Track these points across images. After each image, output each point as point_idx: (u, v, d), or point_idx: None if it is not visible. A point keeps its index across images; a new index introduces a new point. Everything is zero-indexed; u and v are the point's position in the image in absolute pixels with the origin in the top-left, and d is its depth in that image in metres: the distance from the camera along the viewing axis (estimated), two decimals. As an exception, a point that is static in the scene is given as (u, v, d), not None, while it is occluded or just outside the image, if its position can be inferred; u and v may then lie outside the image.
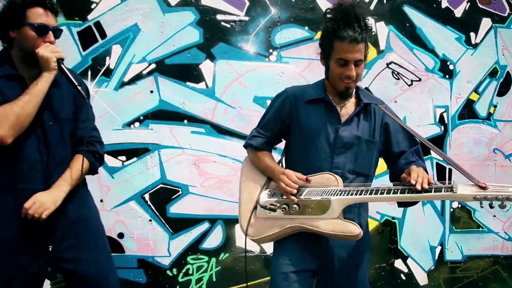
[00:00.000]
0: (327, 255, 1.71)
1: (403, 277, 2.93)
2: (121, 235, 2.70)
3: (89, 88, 2.64)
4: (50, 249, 1.72)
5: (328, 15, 1.69)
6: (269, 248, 2.79)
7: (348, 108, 1.75)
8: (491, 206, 1.45)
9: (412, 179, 1.55)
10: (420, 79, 2.95)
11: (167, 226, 2.74)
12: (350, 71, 1.64)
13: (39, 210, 1.63)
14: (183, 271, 2.76)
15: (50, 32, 1.69)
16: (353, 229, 1.58)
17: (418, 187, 1.52)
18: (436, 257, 2.95)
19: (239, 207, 1.81)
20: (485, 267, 3.02)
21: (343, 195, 1.60)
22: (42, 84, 1.65)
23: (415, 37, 2.94)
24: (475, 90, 3.03)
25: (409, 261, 2.94)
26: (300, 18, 2.81)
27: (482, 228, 3.02)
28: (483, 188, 1.47)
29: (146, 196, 2.72)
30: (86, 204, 1.85)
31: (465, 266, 3.00)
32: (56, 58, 1.66)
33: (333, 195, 1.61)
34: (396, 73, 2.94)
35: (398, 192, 1.55)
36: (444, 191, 1.50)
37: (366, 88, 2.85)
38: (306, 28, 2.82)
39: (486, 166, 3.02)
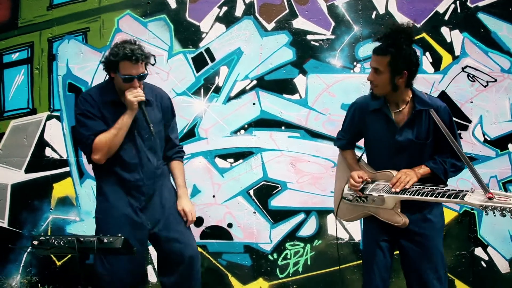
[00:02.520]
0: (404, 230, 2.05)
1: (484, 265, 3.11)
2: (230, 225, 3.20)
3: (202, 103, 3.21)
4: (149, 225, 2.23)
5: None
6: (357, 235, 3.15)
7: (403, 113, 2.06)
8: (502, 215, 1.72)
9: (390, 182, 1.99)
10: (495, 80, 3.11)
11: (268, 217, 3.19)
12: (370, 75, 2.02)
13: (194, 215, 2.33)
14: (282, 255, 3.19)
15: (135, 80, 2.14)
16: (398, 220, 2.00)
17: (392, 190, 1.97)
18: (518, 246, 3.10)
19: (334, 194, 2.30)
20: None
21: (393, 194, 1.99)
22: (127, 120, 2.15)
23: (490, 41, 3.10)
24: (553, 88, 3.13)
25: (489, 249, 3.11)
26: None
27: None
28: (490, 198, 1.74)
29: (251, 192, 3.19)
30: (169, 190, 2.34)
31: (548, 255, 3.11)
32: (137, 102, 2.13)
33: (387, 192, 2.01)
34: (471, 76, 3.16)
35: (434, 195, 1.87)
36: (458, 198, 1.81)
37: (443, 92, 3.11)
38: (386, 41, 3.14)
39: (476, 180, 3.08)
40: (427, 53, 3.11)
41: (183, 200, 2.32)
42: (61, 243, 1.93)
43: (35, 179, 3.32)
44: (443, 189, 1.90)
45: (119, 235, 1.96)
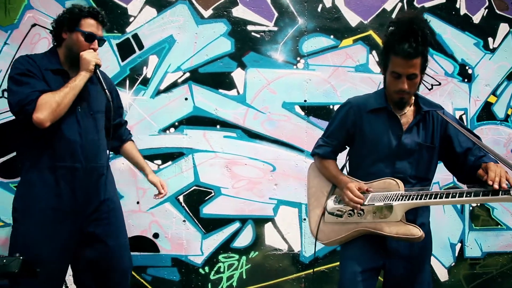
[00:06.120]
0: (392, 254, 1.79)
1: (425, 274, 3.06)
2: (156, 235, 2.85)
3: (127, 96, 2.84)
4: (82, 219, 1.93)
5: (389, 28, 1.74)
6: (296, 246, 2.93)
7: (408, 116, 1.82)
8: None
9: (489, 179, 1.57)
10: (440, 83, 3.05)
11: (200, 226, 2.89)
12: (402, 84, 1.70)
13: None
14: (215, 269, 2.90)
15: (96, 41, 1.97)
16: (415, 231, 1.66)
17: (496, 186, 1.55)
18: (457, 254, 3.05)
19: (308, 213, 1.94)
20: (504, 264, 3.11)
21: (404, 200, 1.67)
22: (80, 81, 1.91)
23: (435, 43, 3.02)
24: (493, 93, 3.12)
25: (430, 258, 3.07)
26: (326, 28, 2.93)
27: (501, 225, 3.12)
28: None
29: (181, 198, 2.87)
30: (112, 185, 2.10)
31: (485, 262, 3.10)
32: (94, 63, 1.94)
33: (395, 200, 1.69)
34: (416, 78, 3.06)
35: (457, 196, 1.59)
36: (501, 195, 1.53)
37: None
38: (332, 36, 2.94)
39: (505, 166, 3.10)
40: (374, 52, 2.96)
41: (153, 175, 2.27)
42: None
43: None
44: (465, 189, 1.58)
45: (17, 255, 1.59)
